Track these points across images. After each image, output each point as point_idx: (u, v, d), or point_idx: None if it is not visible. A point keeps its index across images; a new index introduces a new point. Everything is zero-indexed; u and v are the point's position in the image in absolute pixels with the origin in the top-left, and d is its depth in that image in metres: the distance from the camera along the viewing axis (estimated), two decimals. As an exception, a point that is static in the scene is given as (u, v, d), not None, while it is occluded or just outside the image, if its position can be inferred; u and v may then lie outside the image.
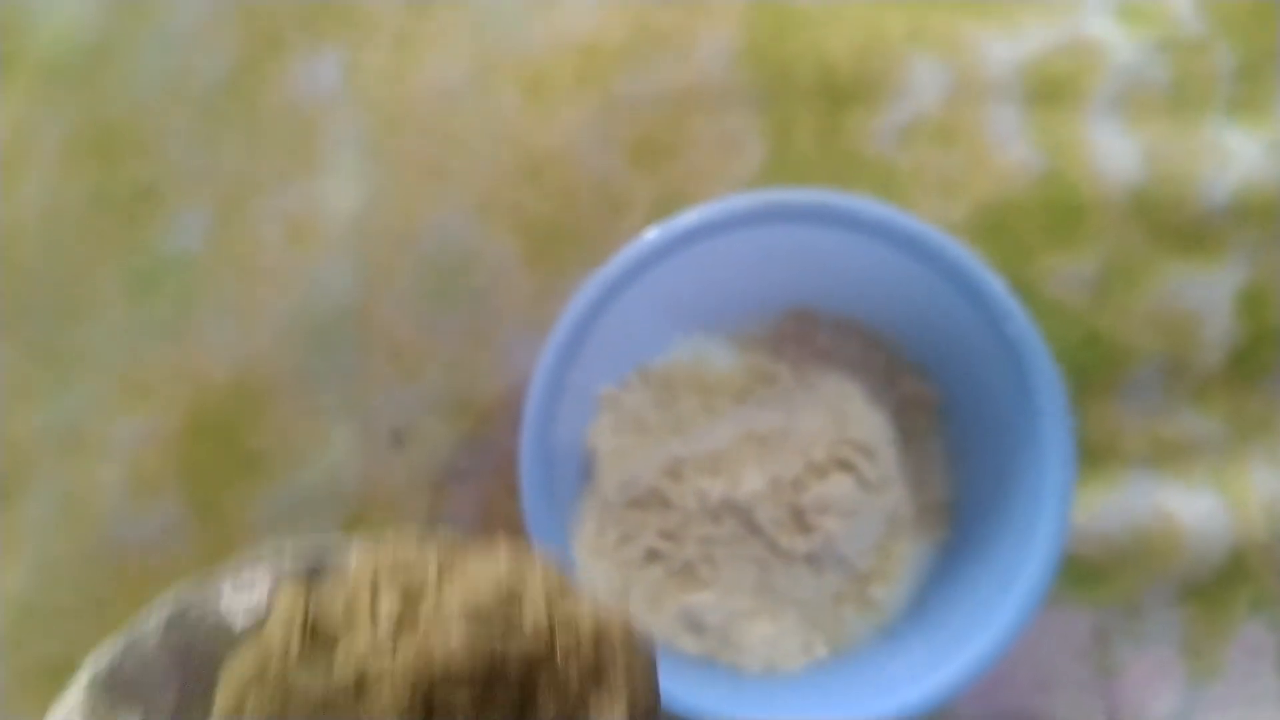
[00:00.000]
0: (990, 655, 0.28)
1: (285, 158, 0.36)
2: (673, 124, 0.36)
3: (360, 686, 0.18)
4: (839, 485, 0.30)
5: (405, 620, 0.19)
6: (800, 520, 0.30)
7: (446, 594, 0.19)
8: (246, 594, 0.20)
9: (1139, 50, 0.37)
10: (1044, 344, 0.29)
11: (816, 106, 0.36)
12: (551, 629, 0.19)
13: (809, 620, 0.30)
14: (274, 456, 0.34)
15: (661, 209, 0.35)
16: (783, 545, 0.30)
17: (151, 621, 0.20)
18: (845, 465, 0.31)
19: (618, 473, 0.31)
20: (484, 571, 0.20)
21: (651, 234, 0.30)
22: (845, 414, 0.31)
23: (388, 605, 0.19)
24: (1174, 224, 0.36)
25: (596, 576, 0.30)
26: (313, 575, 0.21)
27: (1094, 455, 0.35)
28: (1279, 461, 0.35)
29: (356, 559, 0.21)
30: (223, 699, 0.19)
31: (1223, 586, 0.35)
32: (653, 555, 0.30)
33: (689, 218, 0.30)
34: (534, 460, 0.28)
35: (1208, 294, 0.36)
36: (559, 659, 0.19)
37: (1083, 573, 0.34)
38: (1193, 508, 0.35)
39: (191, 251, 0.36)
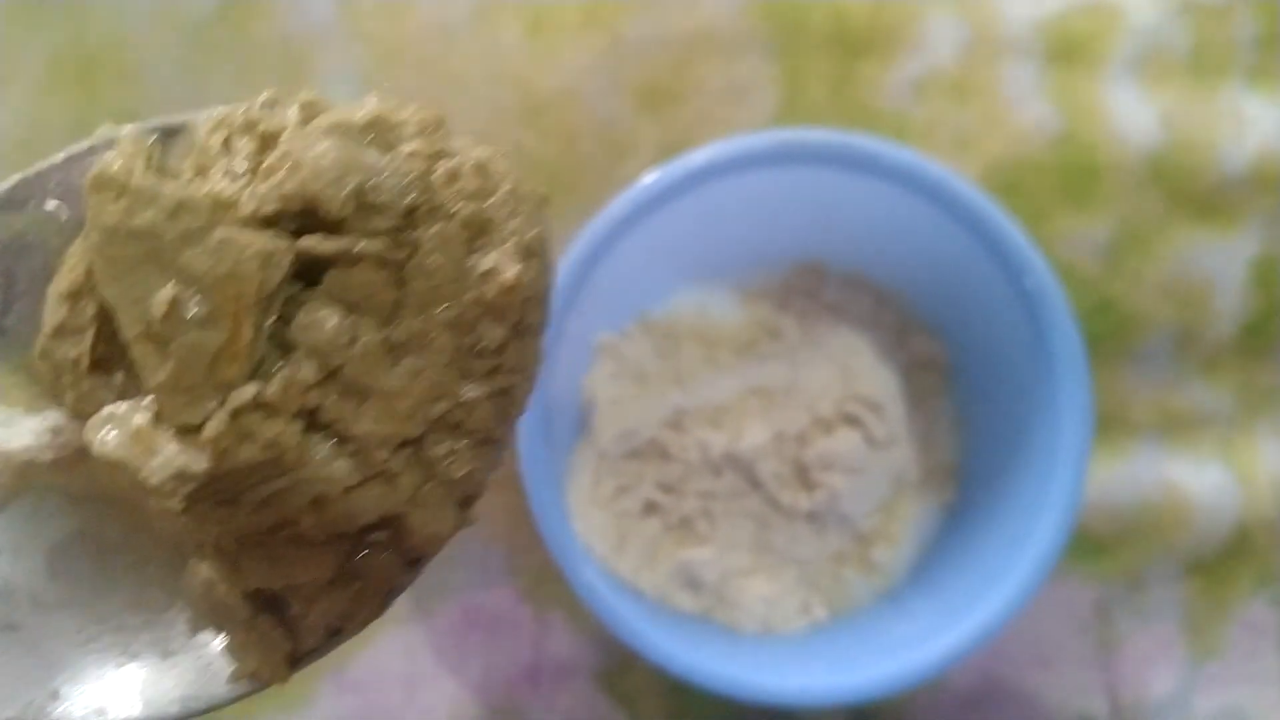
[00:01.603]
0: (996, 622, 0.27)
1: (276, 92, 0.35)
2: (680, 69, 0.35)
3: (215, 210, 0.16)
4: (845, 441, 0.29)
5: (264, 152, 0.16)
6: (804, 476, 0.29)
7: (310, 126, 0.17)
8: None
9: (1160, 13, 0.36)
10: (1064, 299, 0.28)
11: (830, 56, 0.35)
12: (431, 156, 0.17)
13: (808, 581, 0.29)
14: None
15: (667, 155, 0.34)
16: (784, 502, 0.29)
17: None
18: (852, 421, 0.30)
19: (616, 423, 0.30)
20: (350, 109, 0.18)
21: (655, 175, 0.29)
22: (853, 370, 0.30)
23: (245, 145, 0.17)
24: (1190, 191, 0.35)
25: (592, 527, 0.29)
26: (158, 137, 0.18)
27: (1101, 425, 0.34)
28: (1288, 437, 0.35)
29: (205, 118, 0.18)
30: (64, 270, 0.17)
31: (1227, 563, 0.34)
32: (650, 508, 0.29)
33: (695, 158, 0.28)
34: (530, 408, 0.27)
35: (1222, 263, 0.35)
36: (439, 187, 0.17)
37: (1086, 545, 0.33)
38: (1200, 481, 0.34)
39: (174, 184, 0.34)
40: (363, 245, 0.16)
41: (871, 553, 0.30)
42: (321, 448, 0.16)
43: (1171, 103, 0.36)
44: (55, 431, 0.17)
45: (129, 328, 0.16)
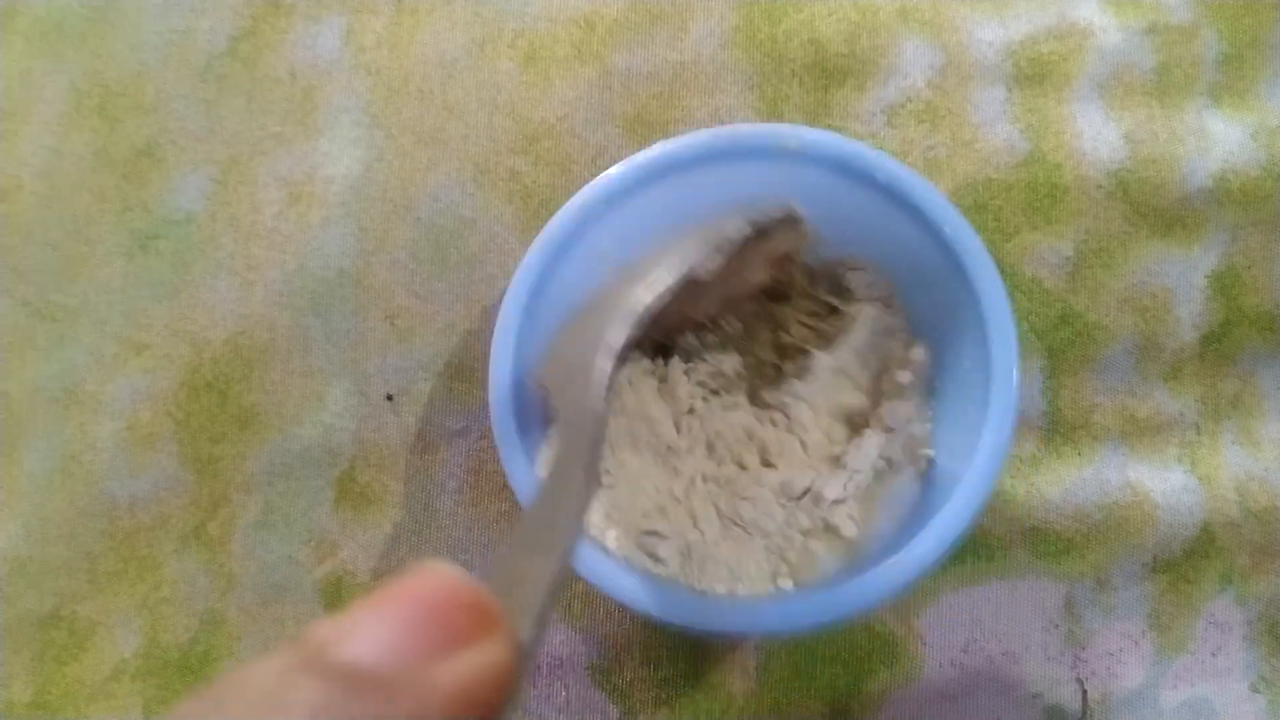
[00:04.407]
0: (956, 526, 0.27)
1: (285, 122, 0.37)
2: (667, 98, 0.37)
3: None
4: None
5: None
6: (764, 453, 0.31)
7: None
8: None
9: (1126, 34, 0.37)
10: (977, 241, 0.29)
11: (806, 84, 0.37)
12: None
13: (775, 551, 0.30)
14: (269, 415, 0.35)
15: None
16: (755, 479, 0.30)
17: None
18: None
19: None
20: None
21: (612, 171, 0.31)
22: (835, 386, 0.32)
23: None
24: (1154, 205, 0.36)
25: None
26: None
27: (1067, 431, 0.35)
28: (1250, 440, 0.36)
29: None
30: None
31: (1192, 562, 0.35)
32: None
33: (639, 158, 0.31)
34: (500, 392, 0.29)
35: (1183, 274, 0.36)
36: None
37: (1054, 545, 0.35)
38: (1164, 484, 0.35)
39: (190, 212, 0.36)
40: None
41: (841, 529, 0.30)
42: None
43: (1137, 121, 0.37)
44: None
45: None
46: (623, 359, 0.25)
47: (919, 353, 0.31)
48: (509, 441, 0.29)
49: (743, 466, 0.31)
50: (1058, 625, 0.35)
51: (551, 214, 0.36)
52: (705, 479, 0.31)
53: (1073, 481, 0.35)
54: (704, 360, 0.32)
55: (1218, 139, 0.37)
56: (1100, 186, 0.36)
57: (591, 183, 0.31)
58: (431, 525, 0.35)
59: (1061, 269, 0.36)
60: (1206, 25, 0.38)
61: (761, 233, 0.29)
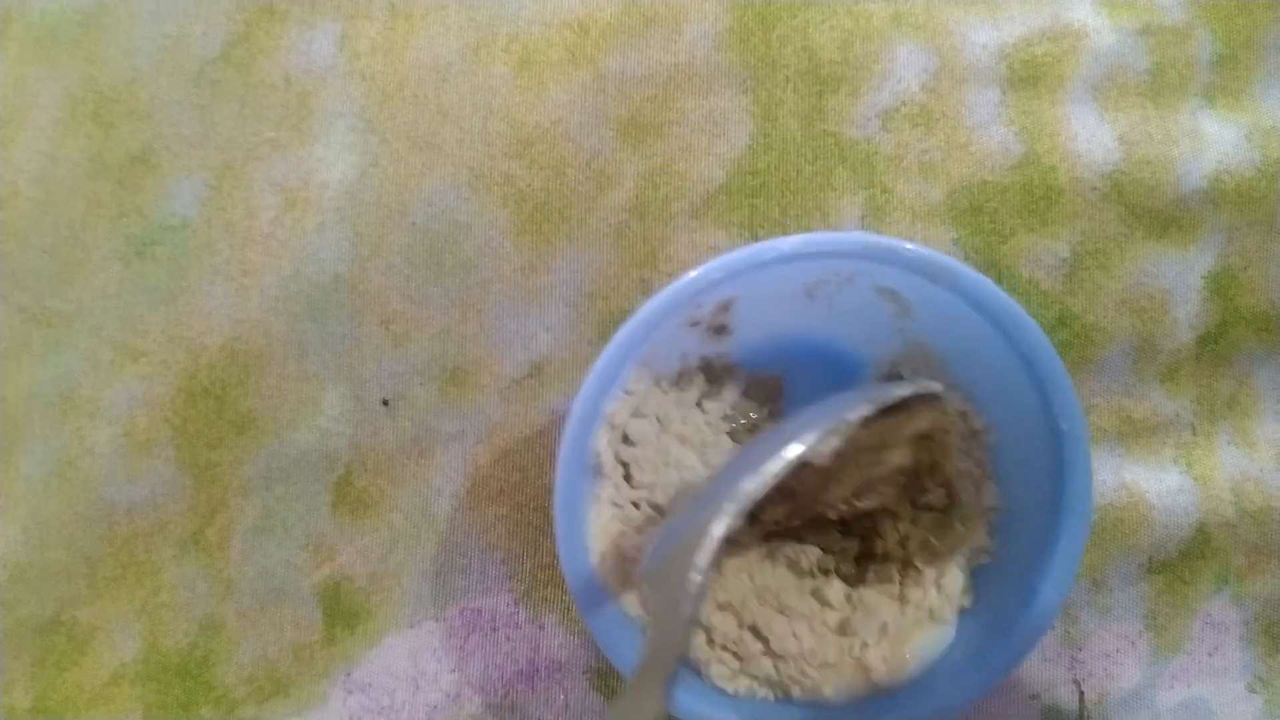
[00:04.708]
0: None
1: (280, 128, 0.37)
2: (660, 102, 0.37)
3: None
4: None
5: None
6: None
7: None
8: None
9: (1120, 36, 0.37)
10: (1067, 381, 0.28)
11: (801, 89, 0.37)
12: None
13: (785, 675, 0.30)
14: (265, 420, 0.35)
15: (648, 185, 0.36)
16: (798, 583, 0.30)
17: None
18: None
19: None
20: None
21: (713, 269, 0.29)
22: None
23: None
24: (1149, 207, 0.36)
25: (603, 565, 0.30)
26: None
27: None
28: (1246, 441, 0.36)
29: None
30: None
31: (1188, 562, 0.35)
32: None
33: (728, 259, 0.29)
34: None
35: (1179, 275, 0.36)
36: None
37: (1052, 546, 0.35)
38: (1160, 485, 0.35)
39: (186, 217, 0.36)
40: None
41: (872, 671, 0.30)
42: None
43: (1131, 122, 0.37)
44: None
45: None
46: (717, 552, 0.24)
47: (993, 493, 0.31)
48: (593, 610, 0.29)
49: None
50: (1054, 627, 0.35)
51: (546, 219, 0.36)
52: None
53: (1068, 483, 0.35)
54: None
55: (1212, 140, 0.37)
56: (1095, 188, 0.36)
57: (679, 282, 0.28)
58: (429, 529, 0.35)
59: (1058, 271, 0.36)
60: (1201, 26, 0.38)
61: (897, 410, 0.27)
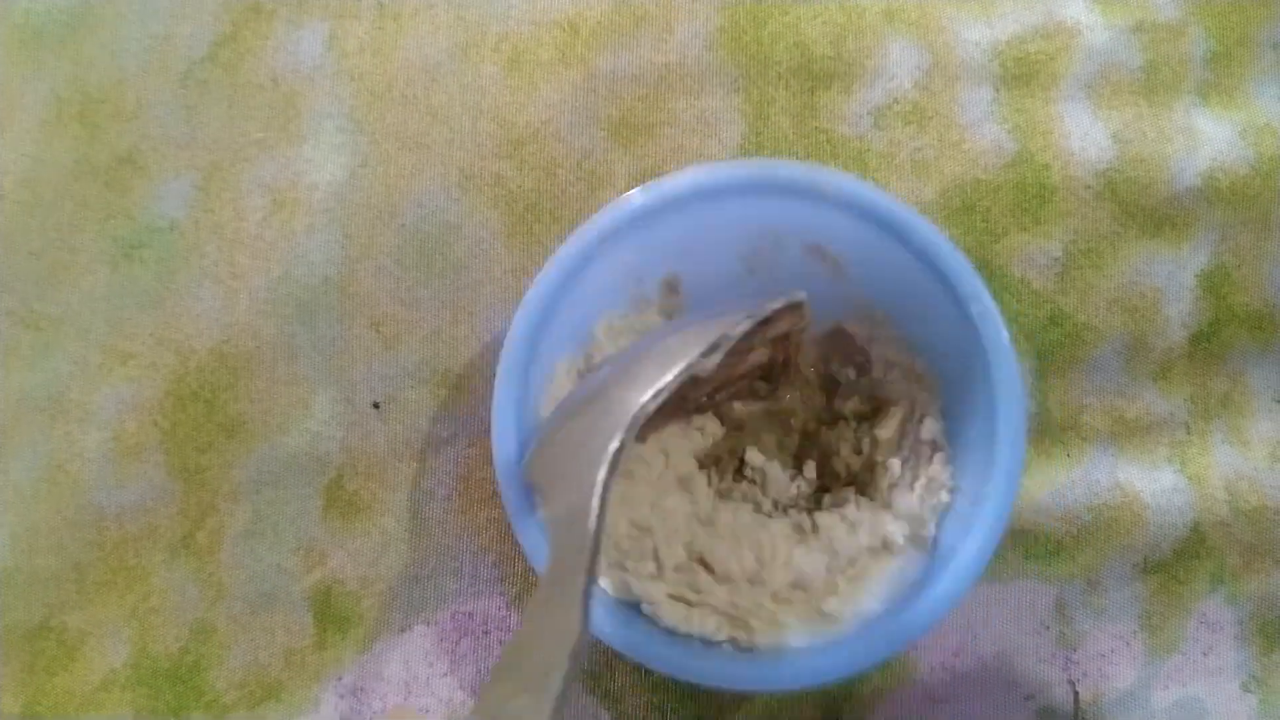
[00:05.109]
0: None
1: (268, 128, 0.36)
2: (652, 102, 0.36)
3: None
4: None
5: None
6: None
7: None
8: None
9: (1113, 33, 0.37)
10: (1003, 324, 0.29)
11: (793, 87, 0.37)
12: None
13: (739, 620, 0.30)
14: (255, 423, 0.35)
15: (641, 184, 0.36)
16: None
17: None
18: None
19: None
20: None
21: (625, 200, 0.30)
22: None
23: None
24: (1142, 205, 0.36)
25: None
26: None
27: (1056, 432, 0.35)
28: (1240, 440, 0.36)
29: None
30: None
31: (1183, 562, 0.35)
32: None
33: (662, 187, 0.30)
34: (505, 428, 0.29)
35: (1172, 274, 0.36)
36: None
37: (1044, 547, 0.35)
38: (1154, 484, 0.35)
39: (174, 219, 0.36)
40: None
41: (823, 605, 0.30)
42: None
43: (1124, 120, 0.37)
44: None
45: None
46: (616, 466, 0.25)
47: (935, 428, 0.31)
48: (522, 515, 0.29)
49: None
50: (1049, 627, 0.35)
51: (536, 220, 0.36)
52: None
53: (1062, 483, 0.35)
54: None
55: (1206, 137, 0.37)
56: (1089, 186, 0.36)
57: (612, 204, 0.30)
58: (420, 533, 0.35)
59: (1050, 270, 0.36)
60: (1194, 23, 0.38)
61: (763, 322, 0.29)
